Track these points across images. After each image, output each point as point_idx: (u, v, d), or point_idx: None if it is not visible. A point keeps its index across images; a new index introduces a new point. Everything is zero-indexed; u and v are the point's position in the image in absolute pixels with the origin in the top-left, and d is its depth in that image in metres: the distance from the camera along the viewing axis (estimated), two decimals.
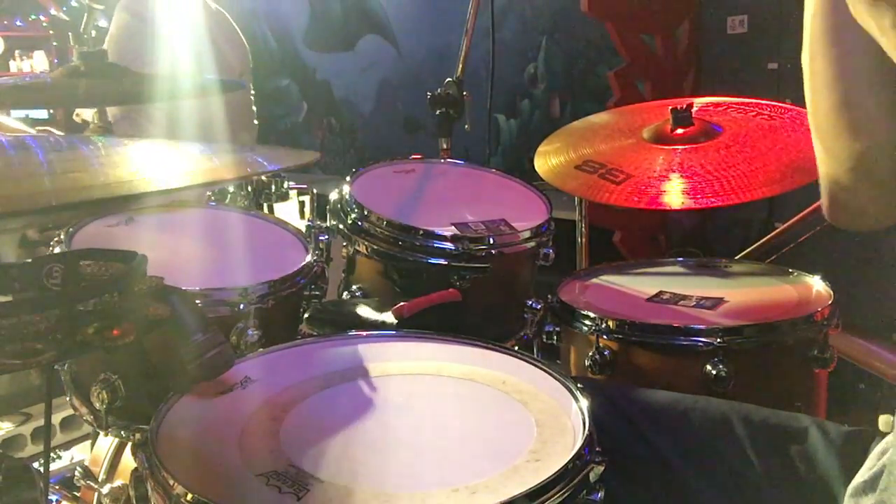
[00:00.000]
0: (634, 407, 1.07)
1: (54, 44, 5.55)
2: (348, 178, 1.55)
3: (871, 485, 0.89)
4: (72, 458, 2.09)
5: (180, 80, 1.81)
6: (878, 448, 0.90)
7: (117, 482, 1.30)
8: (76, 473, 1.38)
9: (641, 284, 1.57)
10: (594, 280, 1.62)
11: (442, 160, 1.89)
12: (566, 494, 0.77)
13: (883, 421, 1.30)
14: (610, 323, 1.36)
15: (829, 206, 0.91)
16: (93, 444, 1.55)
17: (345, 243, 1.50)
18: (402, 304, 1.27)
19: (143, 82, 1.51)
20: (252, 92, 2.90)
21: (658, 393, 1.12)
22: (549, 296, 1.51)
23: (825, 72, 0.83)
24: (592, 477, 0.81)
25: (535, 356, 1.08)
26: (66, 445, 2.16)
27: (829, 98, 0.84)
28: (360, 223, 1.46)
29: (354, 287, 1.49)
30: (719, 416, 1.06)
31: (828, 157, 0.87)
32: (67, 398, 1.23)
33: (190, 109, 2.37)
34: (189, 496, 0.76)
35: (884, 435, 0.90)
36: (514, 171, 1.74)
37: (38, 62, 5.58)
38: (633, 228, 3.26)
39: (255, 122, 2.93)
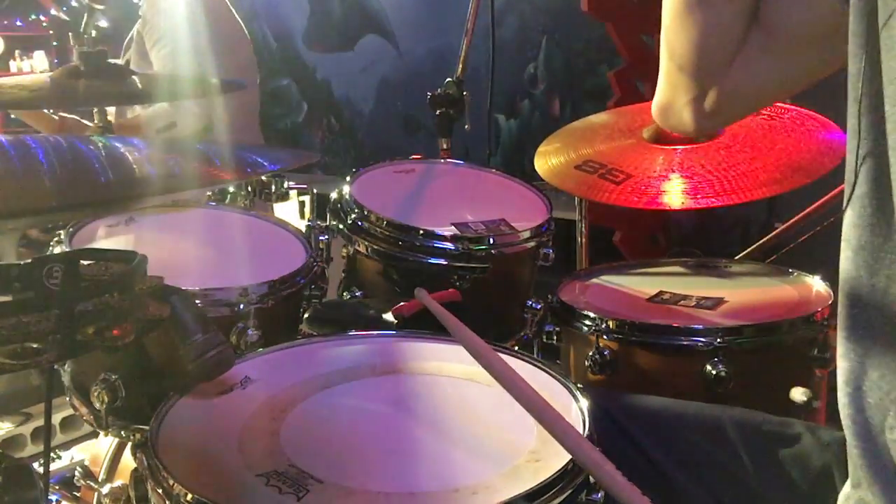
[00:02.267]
0: (626, 413, 1.07)
1: (54, 44, 5.53)
2: (348, 178, 1.55)
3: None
4: (72, 458, 2.08)
5: (180, 80, 1.81)
6: None
7: (117, 482, 1.30)
8: (76, 473, 1.38)
9: (641, 284, 1.56)
10: (594, 280, 1.62)
11: (442, 160, 1.90)
12: (566, 495, 0.77)
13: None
14: (610, 323, 1.36)
15: (659, 115, 1.13)
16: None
17: (345, 243, 1.50)
18: (402, 304, 1.27)
19: (143, 82, 1.51)
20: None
21: (650, 399, 1.12)
22: (549, 296, 1.51)
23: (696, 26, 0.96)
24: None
25: (535, 356, 1.08)
26: (66, 445, 2.15)
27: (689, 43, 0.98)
28: (360, 223, 1.46)
29: (354, 287, 1.49)
30: (712, 421, 1.05)
31: (669, 87, 1.07)
32: (67, 398, 1.23)
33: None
34: (189, 496, 0.76)
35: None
36: (514, 171, 1.74)
37: (38, 62, 5.57)
38: (633, 228, 3.26)
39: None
